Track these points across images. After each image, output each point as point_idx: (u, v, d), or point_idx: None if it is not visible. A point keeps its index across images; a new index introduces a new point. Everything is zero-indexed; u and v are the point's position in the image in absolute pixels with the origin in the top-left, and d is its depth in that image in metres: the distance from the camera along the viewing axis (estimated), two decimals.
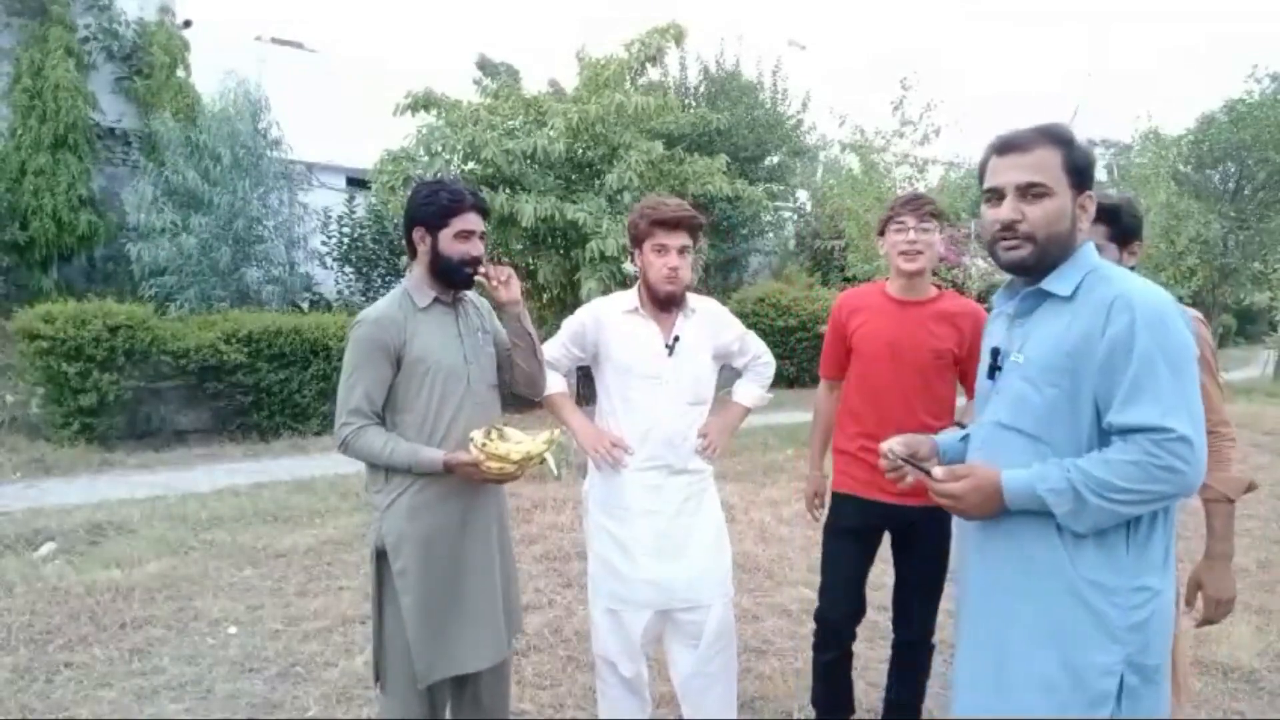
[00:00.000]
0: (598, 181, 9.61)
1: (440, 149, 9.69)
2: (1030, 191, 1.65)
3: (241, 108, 10.95)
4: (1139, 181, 13.98)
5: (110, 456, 7.80)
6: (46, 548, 5.01)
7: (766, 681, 3.44)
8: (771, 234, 16.97)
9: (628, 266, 8.84)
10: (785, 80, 16.76)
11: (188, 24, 11.98)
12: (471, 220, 2.34)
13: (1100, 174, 22.33)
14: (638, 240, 2.56)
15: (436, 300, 2.37)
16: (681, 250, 2.51)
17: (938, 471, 1.69)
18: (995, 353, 1.77)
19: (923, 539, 2.71)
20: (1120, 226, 2.33)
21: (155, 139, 10.73)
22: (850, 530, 2.76)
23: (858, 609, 2.82)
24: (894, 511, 2.66)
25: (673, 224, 2.50)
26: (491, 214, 9.12)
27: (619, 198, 9.38)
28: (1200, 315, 2.31)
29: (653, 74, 12.11)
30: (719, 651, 2.61)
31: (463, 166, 9.82)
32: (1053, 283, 1.68)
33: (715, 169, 10.54)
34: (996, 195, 1.69)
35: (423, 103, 9.86)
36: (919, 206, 2.68)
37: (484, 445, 2.20)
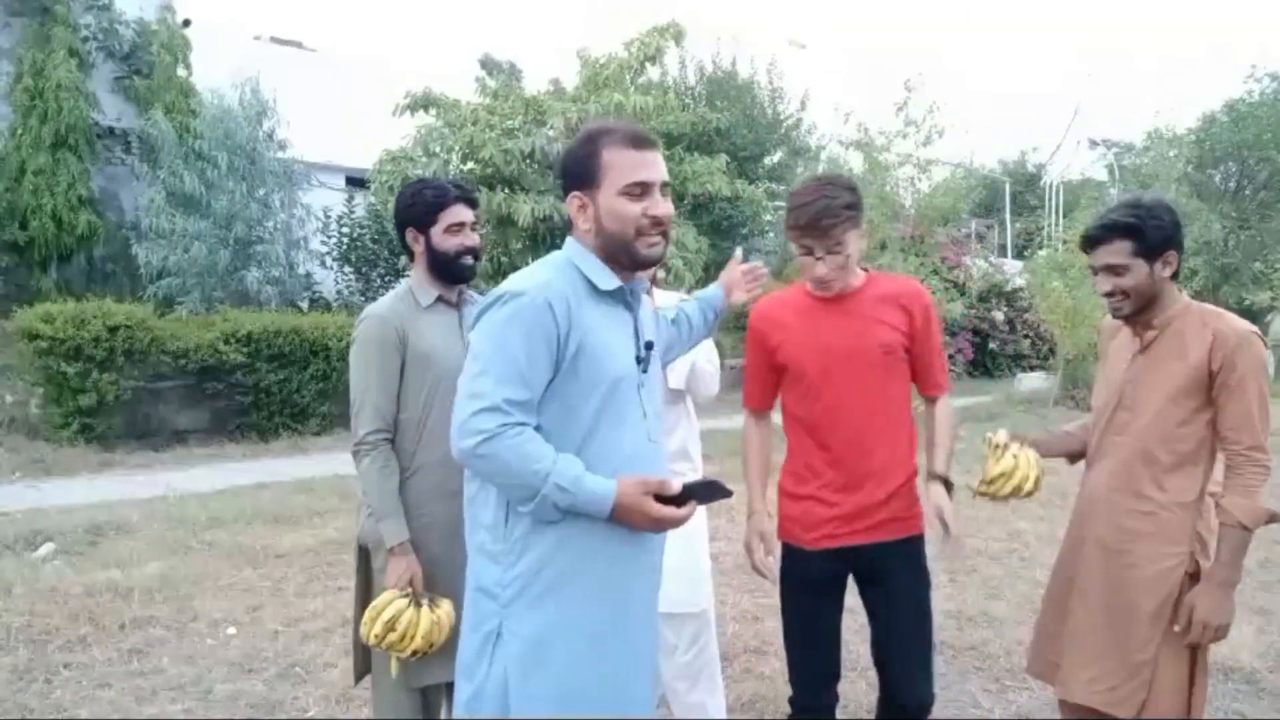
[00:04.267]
0: None
1: (438, 149, 9.70)
2: (665, 191, 1.76)
3: (250, 107, 10.95)
4: (1147, 179, 13.94)
5: (110, 457, 7.80)
6: (46, 548, 5.00)
7: (766, 681, 3.43)
8: (772, 234, 16.95)
9: None
10: (782, 79, 16.76)
11: (187, 23, 11.96)
12: (459, 212, 2.34)
13: (1101, 174, 22.32)
14: None
15: (440, 299, 2.37)
16: None
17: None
18: (649, 345, 1.81)
19: (892, 577, 2.27)
20: (1143, 240, 2.14)
21: (151, 141, 10.73)
22: (807, 584, 2.31)
23: (832, 673, 2.37)
24: (853, 553, 2.25)
25: None
26: (490, 214, 9.12)
27: None
28: (1262, 335, 2.18)
29: (652, 74, 12.12)
30: (698, 654, 2.62)
31: (461, 167, 9.82)
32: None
33: (715, 169, 10.55)
34: (645, 189, 1.72)
35: (422, 103, 9.86)
36: (824, 232, 2.11)
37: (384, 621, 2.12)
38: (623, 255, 1.73)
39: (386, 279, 12.46)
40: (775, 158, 16.97)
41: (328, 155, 13.05)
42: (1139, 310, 2.22)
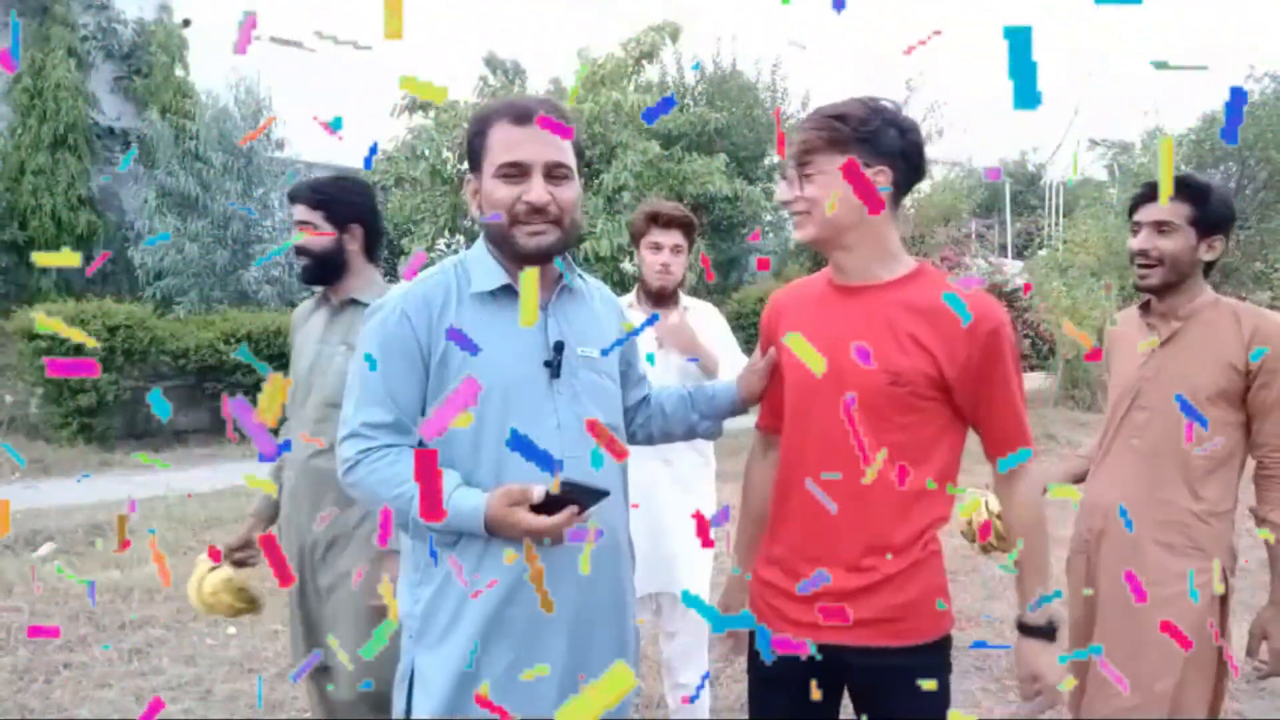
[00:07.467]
0: (595, 181, 9.61)
1: (426, 151, 9.71)
2: (557, 172, 1.51)
3: (245, 106, 10.95)
4: (1145, 179, 13.91)
5: (109, 456, 7.80)
6: (46, 548, 5.00)
7: None
8: (771, 234, 16.96)
9: (626, 266, 8.85)
10: (784, 80, 16.77)
11: (187, 23, 11.97)
12: None
13: (1101, 174, 22.34)
14: (636, 238, 2.68)
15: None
16: (675, 248, 2.62)
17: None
18: (559, 347, 1.54)
19: (891, 702, 1.54)
20: (1205, 210, 1.95)
21: (147, 141, 10.74)
22: (778, 681, 1.59)
23: None
24: (839, 657, 1.54)
25: (666, 222, 2.61)
26: None
27: (617, 197, 9.38)
28: None
29: (651, 73, 12.12)
30: (698, 635, 2.66)
31: (459, 166, 9.81)
32: (569, 274, 1.62)
33: (714, 169, 10.54)
34: (521, 170, 1.48)
35: (420, 103, 9.87)
36: (798, 149, 1.56)
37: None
38: (504, 247, 1.52)
39: (385, 278, 12.47)
40: (775, 157, 16.97)
41: (327, 155, 13.05)
42: (1166, 285, 2.00)
